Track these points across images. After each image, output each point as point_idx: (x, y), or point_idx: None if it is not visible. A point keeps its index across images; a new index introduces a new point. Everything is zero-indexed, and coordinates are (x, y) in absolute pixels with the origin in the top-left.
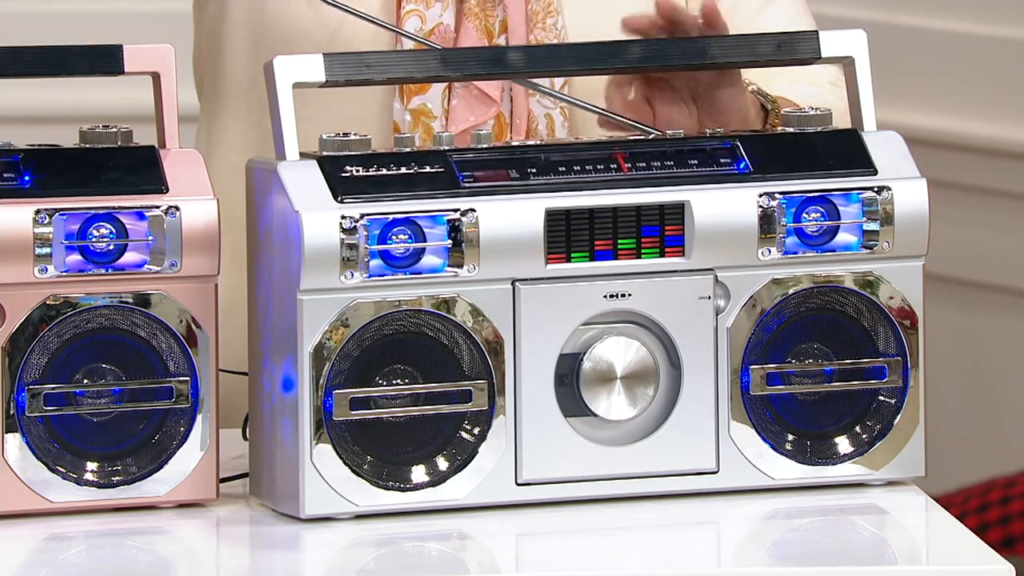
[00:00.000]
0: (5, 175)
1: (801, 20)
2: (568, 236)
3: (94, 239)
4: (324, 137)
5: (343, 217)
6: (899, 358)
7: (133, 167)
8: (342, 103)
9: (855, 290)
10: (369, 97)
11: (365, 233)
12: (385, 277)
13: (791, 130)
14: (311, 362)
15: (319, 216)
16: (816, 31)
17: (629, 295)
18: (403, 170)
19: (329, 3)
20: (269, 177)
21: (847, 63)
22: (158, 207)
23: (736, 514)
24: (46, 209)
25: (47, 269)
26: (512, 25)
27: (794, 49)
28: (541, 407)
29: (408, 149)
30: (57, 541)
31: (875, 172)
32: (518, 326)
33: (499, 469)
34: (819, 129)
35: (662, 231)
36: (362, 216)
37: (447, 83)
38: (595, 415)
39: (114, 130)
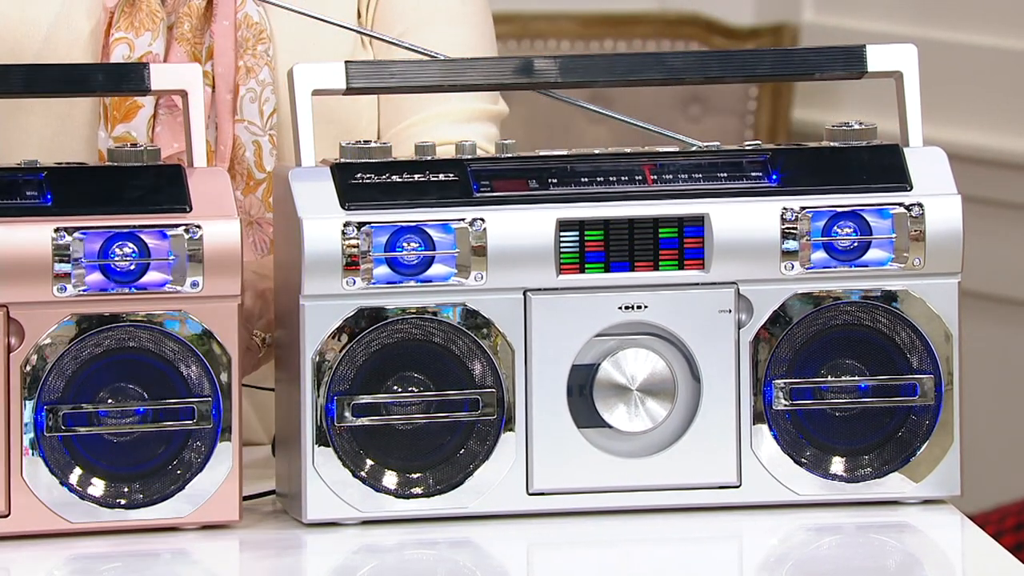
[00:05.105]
0: (28, 193)
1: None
2: (581, 247)
3: (116, 258)
4: (344, 144)
5: (345, 224)
6: (932, 375)
7: (157, 186)
8: (51, 133)
9: (885, 306)
10: (73, 126)
11: (369, 240)
12: (389, 284)
13: (834, 144)
14: (313, 367)
15: (321, 222)
16: (864, 45)
17: (646, 307)
18: (416, 178)
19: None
20: (283, 183)
21: (895, 78)
22: (179, 226)
23: (759, 530)
24: (66, 227)
25: (66, 288)
26: (219, 51)
27: (840, 64)
28: (553, 417)
29: (428, 157)
30: (77, 562)
31: (910, 188)
32: (529, 336)
33: (510, 478)
34: (861, 144)
35: (680, 243)
36: (365, 223)
37: (153, 112)
38: (609, 426)
39: (140, 148)
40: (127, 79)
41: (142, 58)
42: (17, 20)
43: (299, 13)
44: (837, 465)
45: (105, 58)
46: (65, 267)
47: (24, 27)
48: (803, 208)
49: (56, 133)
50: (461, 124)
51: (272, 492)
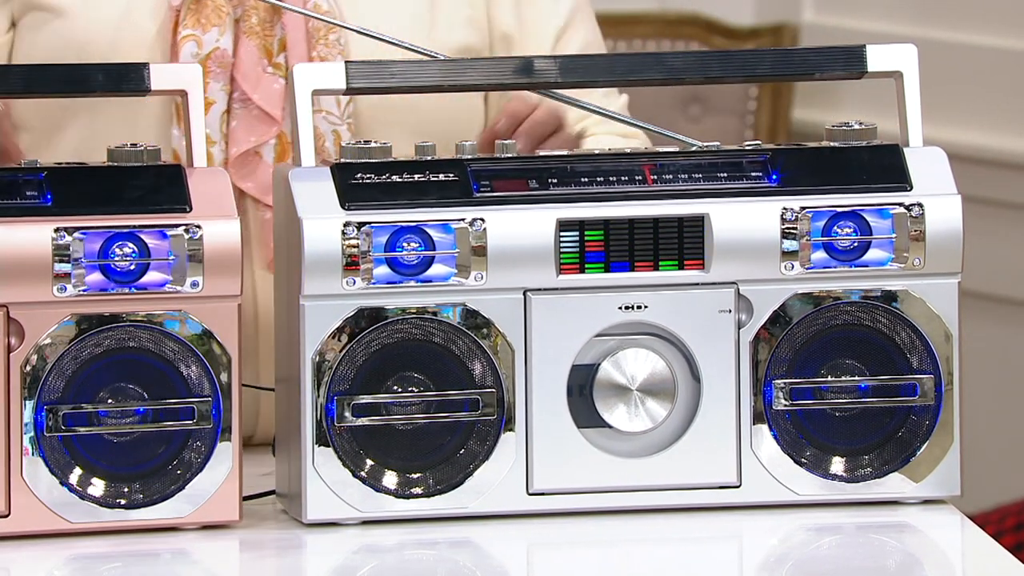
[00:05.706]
0: (28, 193)
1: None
2: (581, 247)
3: (116, 258)
4: (344, 144)
5: (345, 224)
6: (932, 375)
7: (157, 186)
8: (121, 134)
9: (885, 306)
10: (145, 124)
11: (369, 240)
12: (389, 284)
13: (834, 144)
14: (313, 367)
15: (321, 222)
16: (863, 45)
17: (646, 307)
18: (415, 178)
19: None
20: (283, 183)
21: (895, 78)
22: (179, 226)
23: (759, 530)
24: (66, 227)
25: (66, 288)
26: (291, 43)
27: (840, 64)
28: (553, 417)
29: (428, 157)
30: (77, 562)
31: (910, 188)
32: (529, 336)
33: (510, 478)
34: (861, 143)
35: (680, 244)
36: (365, 223)
37: (227, 107)
38: (609, 426)
39: (141, 148)
40: (127, 79)
41: (210, 54)
42: (83, 26)
43: (296, 12)
44: (837, 465)
45: (174, 57)
46: (65, 267)
47: (91, 30)
48: (803, 208)
49: (126, 134)
50: (623, 139)
51: (272, 492)
